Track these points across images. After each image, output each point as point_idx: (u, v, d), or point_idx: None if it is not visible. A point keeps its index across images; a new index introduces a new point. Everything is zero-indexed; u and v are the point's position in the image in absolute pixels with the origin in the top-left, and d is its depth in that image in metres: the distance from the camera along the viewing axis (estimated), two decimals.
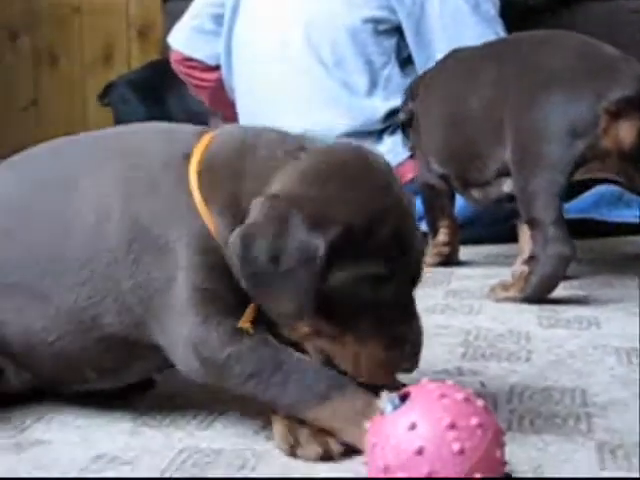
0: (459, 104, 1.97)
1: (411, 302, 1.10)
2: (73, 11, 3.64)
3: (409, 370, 1.10)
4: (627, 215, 2.35)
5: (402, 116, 2.22)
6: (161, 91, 3.10)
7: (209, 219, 1.11)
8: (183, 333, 1.10)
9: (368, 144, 1.34)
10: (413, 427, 0.90)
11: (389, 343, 1.07)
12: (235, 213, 1.09)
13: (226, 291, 1.10)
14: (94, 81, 3.52)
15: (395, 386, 1.05)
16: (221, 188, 1.11)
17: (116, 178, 1.16)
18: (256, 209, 1.06)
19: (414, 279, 1.10)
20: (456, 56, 2.11)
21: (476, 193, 1.98)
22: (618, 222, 2.37)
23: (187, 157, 1.14)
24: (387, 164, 1.13)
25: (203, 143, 1.15)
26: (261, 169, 1.11)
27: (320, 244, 1.01)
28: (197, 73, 2.79)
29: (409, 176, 2.27)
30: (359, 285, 1.04)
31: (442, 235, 2.11)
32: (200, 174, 1.12)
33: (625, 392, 1.28)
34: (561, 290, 1.81)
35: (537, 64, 1.82)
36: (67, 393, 1.27)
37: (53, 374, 1.23)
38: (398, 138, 2.36)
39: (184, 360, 1.12)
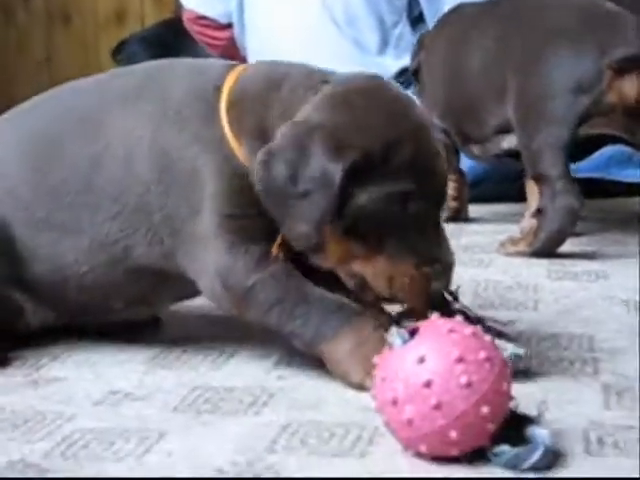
0: (460, 60, 1.97)
1: (438, 224, 1.12)
2: None
3: (441, 289, 1.11)
4: (637, 175, 2.35)
5: (411, 66, 2.22)
6: (174, 49, 3.09)
7: (237, 147, 1.13)
8: (209, 260, 1.12)
9: None
10: (422, 361, 0.91)
11: (420, 262, 1.08)
12: (263, 141, 1.11)
13: (253, 218, 1.11)
14: (107, 40, 3.52)
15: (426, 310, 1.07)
16: (249, 118, 1.13)
17: (145, 112, 1.18)
18: (280, 134, 1.08)
19: (439, 201, 1.12)
20: (460, 11, 2.10)
21: (475, 149, 1.99)
22: (628, 182, 2.37)
23: (218, 89, 1.16)
24: (406, 94, 1.16)
25: (233, 76, 1.17)
26: (287, 100, 1.13)
27: (337, 170, 1.04)
28: (209, 31, 2.79)
29: None
30: (384, 203, 1.06)
31: (450, 189, 2.10)
32: (230, 105, 1.15)
33: (632, 340, 1.29)
34: (570, 246, 1.82)
35: (541, 21, 1.83)
36: (86, 326, 1.30)
37: (79, 306, 1.25)
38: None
39: (210, 288, 1.14)
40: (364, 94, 1.11)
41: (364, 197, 1.05)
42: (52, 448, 0.98)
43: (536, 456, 0.90)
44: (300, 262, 1.13)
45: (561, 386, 1.13)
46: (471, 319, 1.10)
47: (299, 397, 1.11)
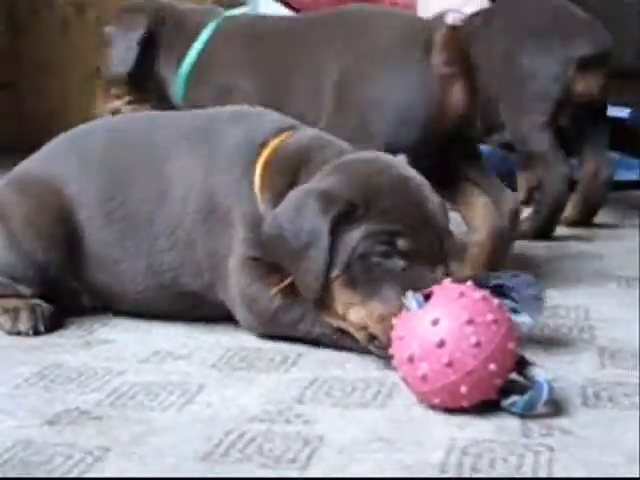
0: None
1: (437, 261, 1.06)
2: None
3: None
4: (627, 175, 2.33)
5: None
6: None
7: (261, 202, 1.15)
8: (238, 293, 1.17)
9: None
10: (436, 323, 0.91)
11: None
12: (278, 202, 1.12)
13: (272, 260, 1.14)
14: None
15: None
16: (276, 180, 1.15)
17: (202, 155, 1.21)
18: (285, 199, 1.11)
19: (431, 241, 1.06)
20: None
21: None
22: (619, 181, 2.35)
23: (261, 147, 1.18)
24: (403, 166, 1.15)
25: (278, 140, 1.18)
26: (312, 174, 1.13)
27: (324, 221, 1.05)
28: None
29: None
30: (370, 243, 1.05)
31: None
32: (265, 165, 1.17)
33: (624, 310, 1.29)
34: (568, 230, 1.82)
35: (521, 20, 1.86)
36: None
37: (128, 306, 1.27)
38: None
39: (241, 314, 1.18)
40: (361, 162, 1.13)
41: (351, 238, 1.06)
42: (103, 398, 0.99)
43: (545, 394, 0.91)
44: None
45: (561, 349, 1.13)
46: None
47: (324, 357, 1.11)
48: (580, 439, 0.87)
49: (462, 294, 0.93)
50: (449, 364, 0.90)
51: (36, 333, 1.20)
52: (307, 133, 1.20)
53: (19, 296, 1.24)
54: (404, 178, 1.10)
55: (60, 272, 1.25)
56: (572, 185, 1.82)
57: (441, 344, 0.90)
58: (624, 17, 2.81)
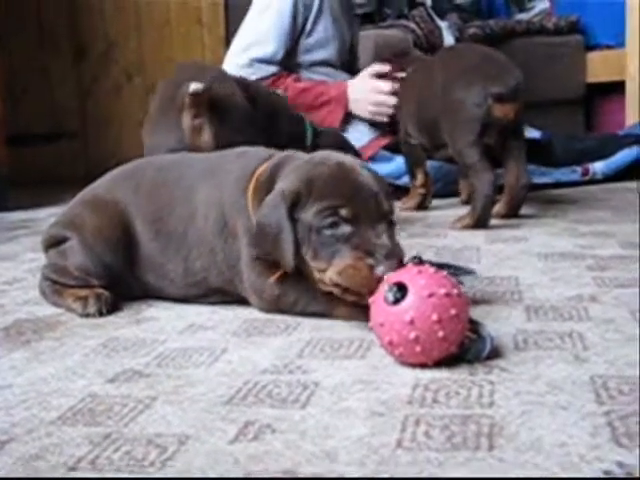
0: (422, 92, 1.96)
1: (376, 226, 1.03)
2: (169, 58, 3.62)
3: (385, 272, 0.97)
4: (542, 179, 2.31)
5: None
6: None
7: (253, 217, 1.13)
8: (249, 285, 1.15)
9: None
10: (412, 322, 0.87)
11: (359, 256, 1.01)
12: None
13: (269, 258, 1.11)
14: None
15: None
16: (260, 198, 1.13)
17: (217, 185, 1.20)
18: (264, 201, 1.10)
19: (369, 210, 1.04)
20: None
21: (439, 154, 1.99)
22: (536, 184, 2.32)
23: (252, 174, 1.17)
24: (340, 155, 1.12)
25: (261, 168, 1.17)
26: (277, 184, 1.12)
27: (283, 211, 1.05)
28: None
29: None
30: (320, 218, 1.03)
31: (419, 180, 2.08)
32: (254, 189, 1.15)
33: (544, 277, 1.27)
34: (500, 221, 1.80)
35: (456, 63, 1.85)
36: None
37: (171, 298, 1.25)
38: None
39: (253, 300, 1.16)
40: (306, 162, 1.11)
41: (306, 219, 1.04)
42: (150, 361, 0.97)
43: (489, 345, 0.89)
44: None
45: (497, 308, 1.11)
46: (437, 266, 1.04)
47: (317, 324, 1.09)
48: (514, 374, 0.85)
49: (431, 294, 0.87)
50: (421, 352, 0.87)
51: (100, 314, 1.18)
52: (275, 158, 1.18)
53: (89, 286, 1.23)
54: (337, 163, 1.08)
55: (121, 271, 1.23)
56: (500, 188, 1.81)
57: (416, 340, 0.86)
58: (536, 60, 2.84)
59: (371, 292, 0.94)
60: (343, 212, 1.03)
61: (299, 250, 1.06)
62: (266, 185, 1.13)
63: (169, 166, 1.29)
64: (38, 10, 3.60)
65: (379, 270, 0.98)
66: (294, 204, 1.05)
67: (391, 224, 1.06)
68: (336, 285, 1.04)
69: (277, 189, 1.09)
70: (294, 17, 2.23)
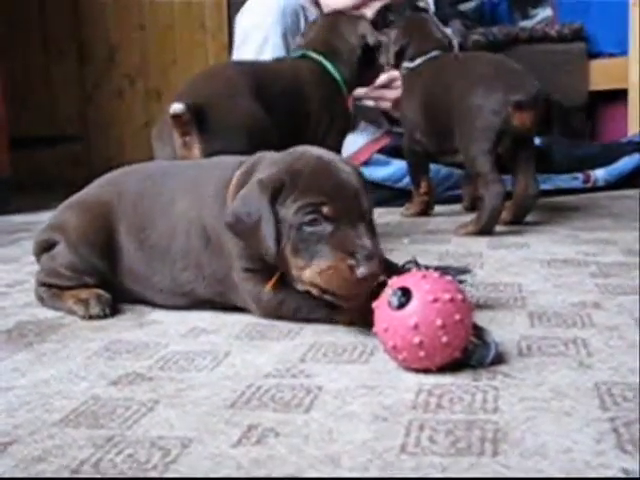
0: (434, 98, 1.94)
1: (358, 226, 1.02)
2: (172, 62, 3.63)
3: (366, 274, 0.97)
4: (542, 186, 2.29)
5: None
6: None
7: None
8: (245, 295, 1.14)
9: None
10: (416, 327, 0.86)
11: (340, 257, 0.99)
12: None
13: (262, 267, 1.10)
14: None
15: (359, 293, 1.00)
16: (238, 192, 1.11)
17: (195, 198, 1.18)
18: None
19: (350, 209, 1.02)
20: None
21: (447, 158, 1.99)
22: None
23: (229, 182, 1.14)
24: (320, 150, 1.10)
25: (238, 171, 1.14)
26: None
27: (264, 200, 1.03)
28: None
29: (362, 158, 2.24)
30: (301, 214, 1.02)
31: (423, 187, 2.08)
32: (233, 193, 1.12)
33: (547, 284, 1.27)
34: (504, 227, 1.80)
35: (472, 70, 1.83)
36: None
37: (158, 305, 1.25)
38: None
39: (254, 309, 1.14)
40: (285, 155, 1.09)
41: (287, 215, 1.03)
42: (153, 364, 0.97)
43: (493, 351, 0.89)
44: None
45: (500, 314, 1.10)
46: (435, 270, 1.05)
47: (319, 328, 1.09)
48: (518, 380, 0.85)
49: (435, 300, 0.86)
50: (425, 357, 0.86)
51: (102, 317, 1.18)
52: (250, 161, 1.15)
53: (86, 286, 1.23)
54: (318, 158, 1.06)
55: (107, 272, 1.23)
56: (508, 195, 1.80)
57: (420, 344, 0.86)
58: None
59: (350, 294, 0.95)
60: (325, 210, 1.01)
61: (280, 239, 1.03)
62: (242, 184, 1.10)
63: (153, 176, 1.26)
64: (41, 15, 3.61)
65: (360, 272, 0.97)
66: (275, 195, 1.03)
67: (371, 223, 1.05)
68: (314, 285, 1.03)
69: (253, 180, 1.06)
70: (287, 49, 2.19)
